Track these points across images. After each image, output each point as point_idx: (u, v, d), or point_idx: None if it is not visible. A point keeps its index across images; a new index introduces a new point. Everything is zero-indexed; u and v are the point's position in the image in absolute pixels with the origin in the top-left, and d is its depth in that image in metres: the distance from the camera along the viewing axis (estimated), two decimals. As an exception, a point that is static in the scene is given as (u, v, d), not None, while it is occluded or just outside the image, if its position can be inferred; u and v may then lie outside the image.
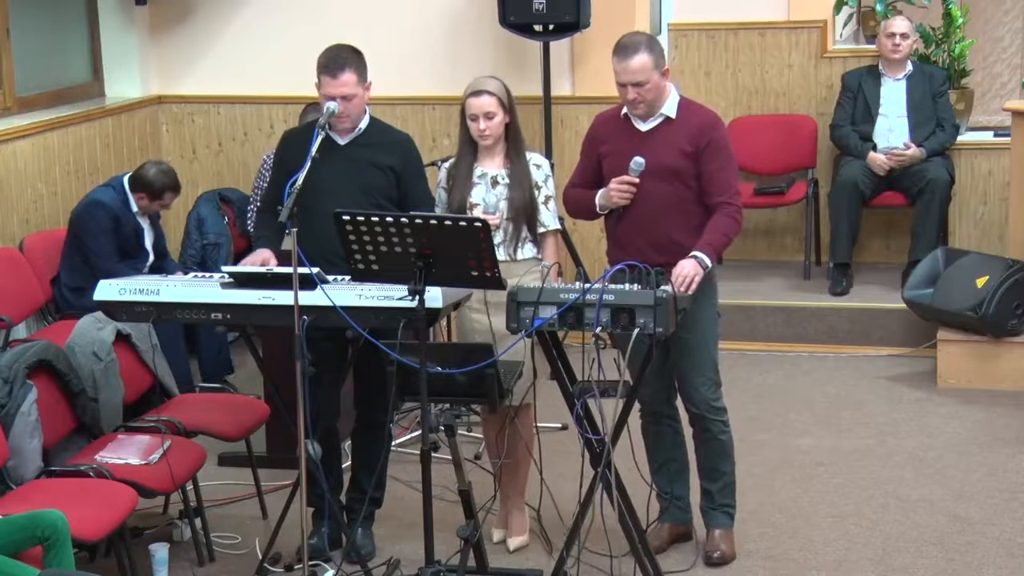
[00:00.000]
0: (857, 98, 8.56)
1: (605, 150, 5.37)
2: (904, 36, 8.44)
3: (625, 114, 5.34)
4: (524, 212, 5.44)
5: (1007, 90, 10.57)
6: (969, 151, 8.68)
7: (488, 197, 5.46)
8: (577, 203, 5.47)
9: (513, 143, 5.49)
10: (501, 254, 5.35)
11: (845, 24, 9.58)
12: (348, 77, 5.37)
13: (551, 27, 7.63)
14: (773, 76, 9.16)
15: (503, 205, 5.43)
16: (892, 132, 8.45)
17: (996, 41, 10.75)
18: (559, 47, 7.89)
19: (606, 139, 5.39)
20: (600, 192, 5.34)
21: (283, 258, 5.37)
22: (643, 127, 5.31)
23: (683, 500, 5.62)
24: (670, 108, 5.29)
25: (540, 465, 5.36)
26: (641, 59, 5.18)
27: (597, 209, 5.37)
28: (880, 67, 8.55)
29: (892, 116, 8.47)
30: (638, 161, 5.21)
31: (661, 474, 5.59)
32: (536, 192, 5.47)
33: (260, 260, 5.38)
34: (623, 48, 5.22)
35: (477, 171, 5.49)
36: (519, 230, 5.45)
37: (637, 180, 5.22)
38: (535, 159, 5.55)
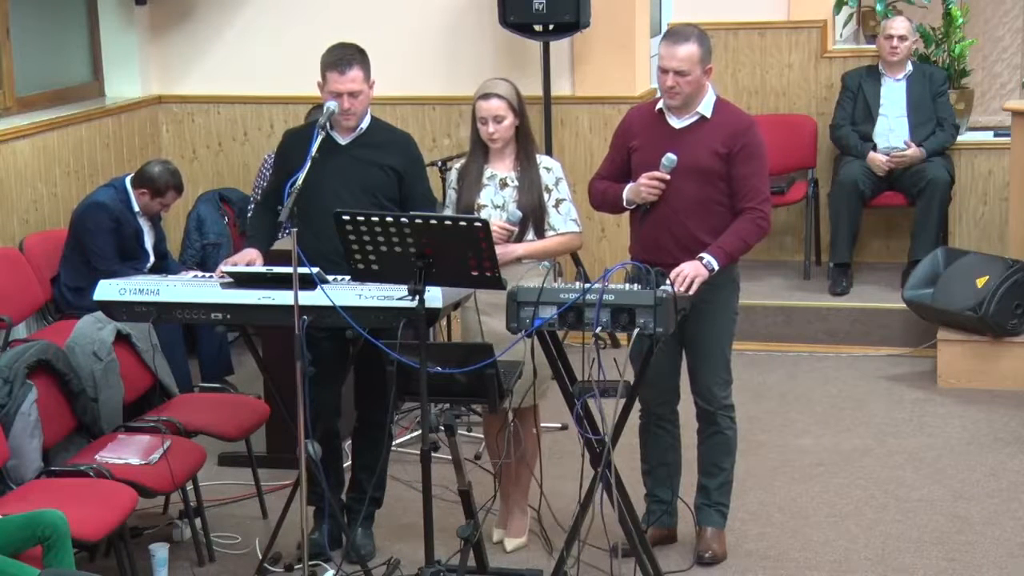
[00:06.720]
0: (857, 98, 8.55)
1: (636, 144, 5.32)
2: (902, 38, 8.42)
3: (660, 109, 5.29)
4: (531, 215, 5.43)
5: (1007, 90, 10.59)
6: (969, 151, 8.67)
7: (496, 199, 5.45)
8: (602, 195, 5.42)
9: (523, 146, 5.47)
10: None
11: (845, 24, 9.59)
12: (356, 74, 5.36)
13: (551, 27, 7.63)
14: (773, 76, 9.16)
15: (511, 207, 5.42)
16: (892, 132, 8.45)
17: (996, 41, 10.77)
18: (559, 47, 7.88)
19: (637, 133, 5.34)
20: (629, 186, 5.29)
21: (282, 257, 5.37)
22: (677, 124, 5.26)
23: (669, 505, 5.59)
24: (706, 107, 5.25)
25: (540, 465, 5.36)
26: (689, 49, 5.15)
27: (624, 203, 5.33)
28: (880, 67, 8.54)
29: (892, 116, 8.46)
30: (670, 158, 5.16)
31: (651, 476, 5.58)
32: (547, 195, 5.46)
33: (247, 260, 5.37)
34: (674, 34, 5.20)
35: (487, 173, 5.48)
36: (525, 233, 5.43)
37: (668, 177, 5.18)
38: (545, 162, 5.52)
